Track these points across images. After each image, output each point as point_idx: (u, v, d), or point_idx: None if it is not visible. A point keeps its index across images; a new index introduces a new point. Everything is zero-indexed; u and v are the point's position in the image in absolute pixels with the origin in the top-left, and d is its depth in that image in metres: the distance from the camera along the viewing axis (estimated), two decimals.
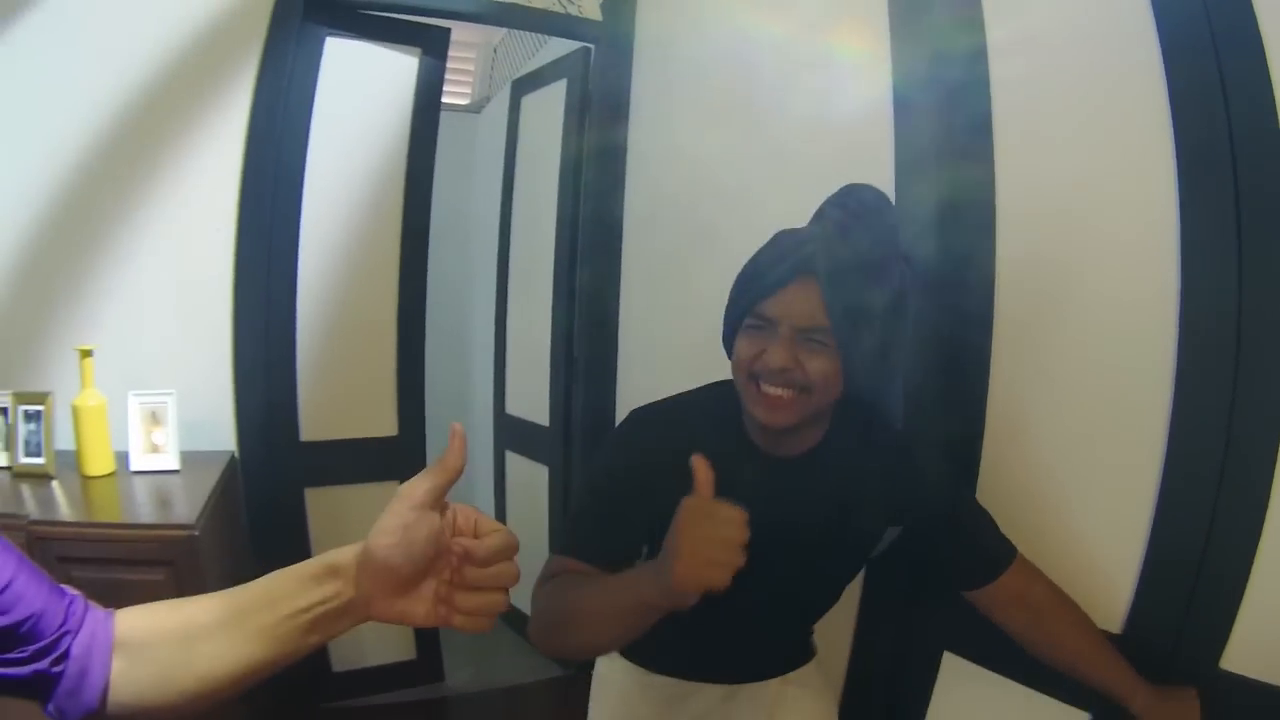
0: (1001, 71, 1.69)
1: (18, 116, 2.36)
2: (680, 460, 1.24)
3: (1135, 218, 1.45)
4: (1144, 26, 1.40)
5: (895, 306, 1.25)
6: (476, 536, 0.80)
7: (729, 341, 1.35)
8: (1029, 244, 1.65)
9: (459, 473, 0.78)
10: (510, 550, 0.80)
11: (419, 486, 0.77)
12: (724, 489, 1.19)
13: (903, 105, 1.84)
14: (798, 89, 2.19)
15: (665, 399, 1.44)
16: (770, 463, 1.37)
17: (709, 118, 2.57)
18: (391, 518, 0.77)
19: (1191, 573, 1.37)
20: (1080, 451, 1.56)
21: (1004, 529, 1.49)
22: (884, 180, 1.83)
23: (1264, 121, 1.25)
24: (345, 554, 0.80)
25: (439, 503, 0.79)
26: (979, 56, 1.71)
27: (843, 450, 1.39)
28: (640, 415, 1.42)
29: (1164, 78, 1.38)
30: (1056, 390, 1.59)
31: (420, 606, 0.80)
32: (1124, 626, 1.48)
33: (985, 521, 1.49)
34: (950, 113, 1.74)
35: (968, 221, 1.71)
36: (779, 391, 1.24)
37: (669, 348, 2.76)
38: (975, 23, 1.71)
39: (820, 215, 1.29)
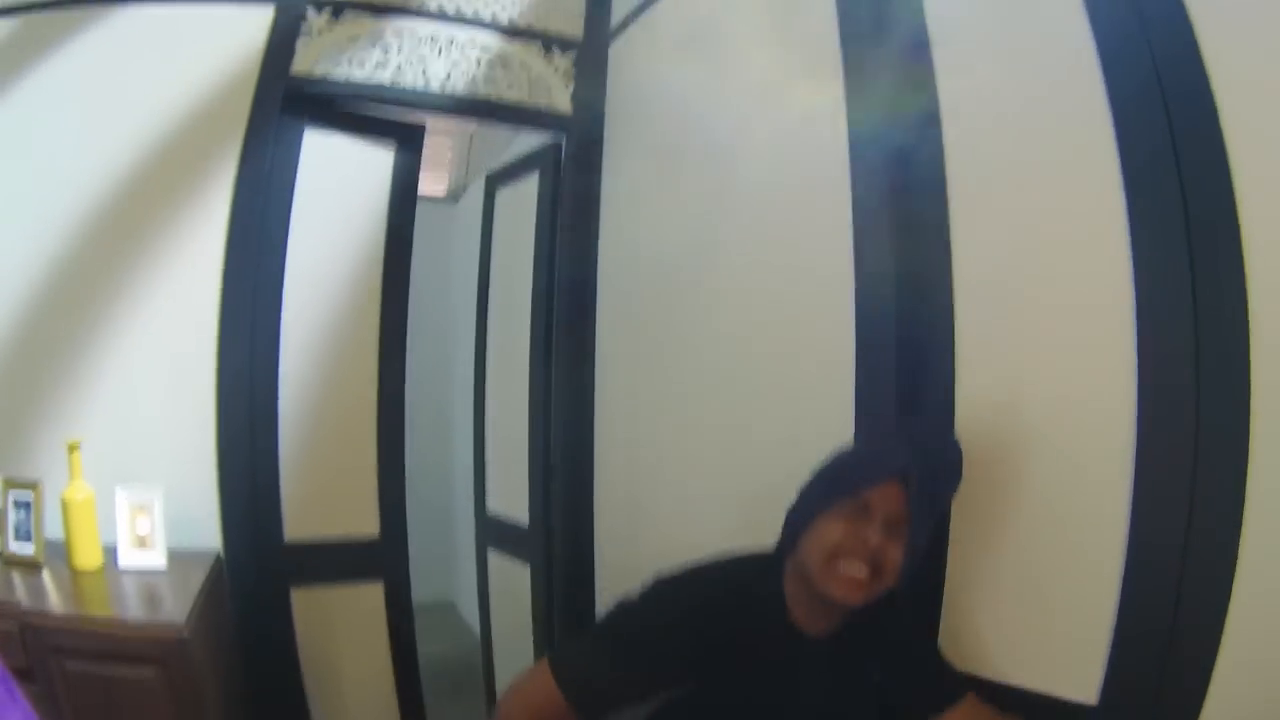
0: (954, 134, 1.72)
1: (13, 204, 2.41)
2: (712, 629, 1.44)
3: (1090, 284, 1.47)
4: (1094, 87, 1.44)
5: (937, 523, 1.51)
6: None
7: (804, 520, 1.47)
8: (986, 315, 1.66)
9: None
10: None
11: None
12: (763, 662, 1.45)
13: (859, 172, 1.87)
14: (764, 166, 2.23)
15: (697, 567, 1.55)
16: (805, 641, 1.50)
17: (679, 201, 2.59)
18: None
19: (1163, 645, 1.34)
20: (1045, 523, 1.54)
21: (973, 604, 1.58)
22: (846, 249, 1.88)
23: (1216, 182, 1.27)
24: None
25: None
26: (933, 120, 1.74)
27: (855, 627, 1.51)
28: (678, 581, 1.52)
29: (1115, 139, 1.41)
30: (1017, 467, 1.57)
31: None
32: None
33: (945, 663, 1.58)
34: (905, 177, 1.78)
35: (928, 295, 1.72)
36: (858, 571, 1.38)
37: (645, 444, 2.74)
38: (928, 87, 1.75)
39: (919, 437, 1.54)
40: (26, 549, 2.21)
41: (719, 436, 2.31)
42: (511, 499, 3.42)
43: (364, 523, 2.95)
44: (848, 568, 1.38)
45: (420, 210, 3.11)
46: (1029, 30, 1.60)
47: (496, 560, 3.60)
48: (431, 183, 4.88)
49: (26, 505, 2.21)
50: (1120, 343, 1.38)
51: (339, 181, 2.89)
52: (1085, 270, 1.47)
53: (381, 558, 2.97)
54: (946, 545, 1.66)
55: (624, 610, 1.52)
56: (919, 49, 1.77)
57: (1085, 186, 1.46)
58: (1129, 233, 1.39)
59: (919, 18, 1.79)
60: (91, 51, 2.53)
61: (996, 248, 1.63)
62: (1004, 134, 1.64)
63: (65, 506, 2.21)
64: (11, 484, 2.24)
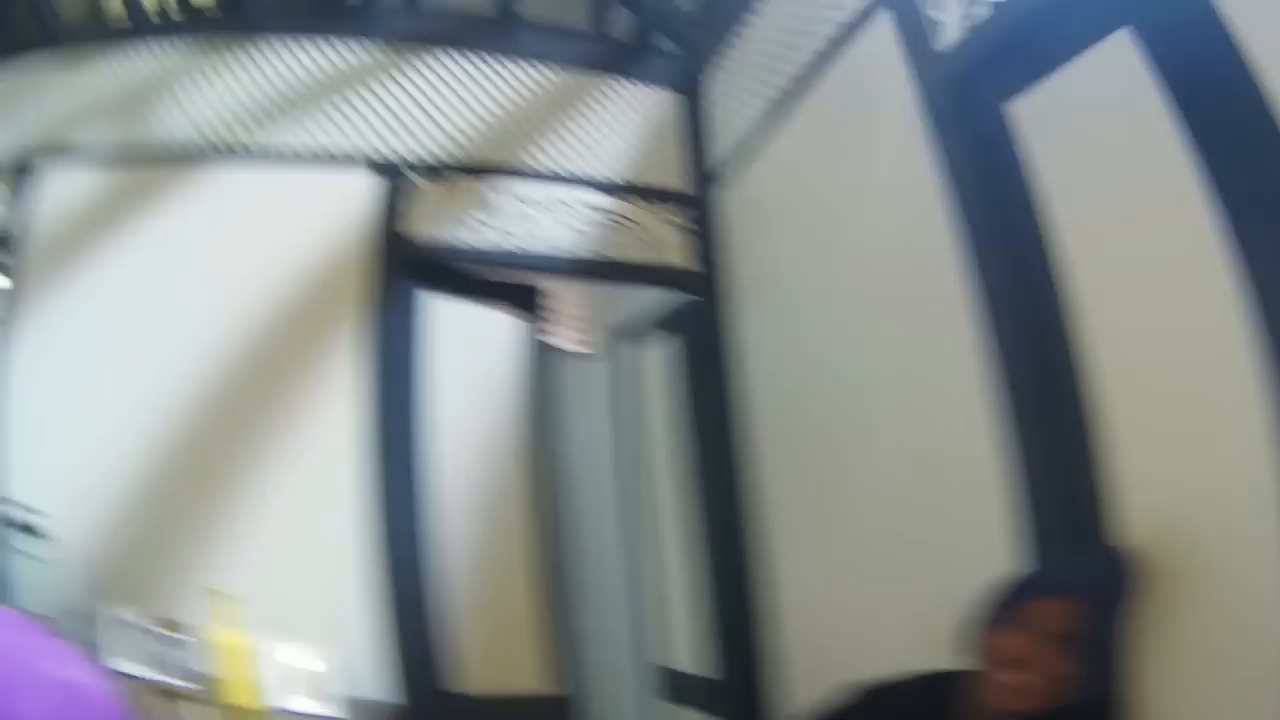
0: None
1: (148, 359, 2.60)
2: None
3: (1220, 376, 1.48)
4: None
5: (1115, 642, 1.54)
6: None
7: (974, 632, 1.54)
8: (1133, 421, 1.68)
9: None
10: None
11: None
12: None
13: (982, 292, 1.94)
14: (889, 298, 2.27)
15: (890, 679, 1.67)
16: None
17: (819, 340, 2.61)
18: None
19: None
20: (1222, 626, 1.49)
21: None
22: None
23: None
24: None
25: None
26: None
27: None
28: (873, 691, 1.66)
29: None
30: (1186, 571, 1.54)
31: None
32: None
33: None
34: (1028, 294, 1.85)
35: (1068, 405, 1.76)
36: (1022, 679, 1.43)
37: (824, 585, 2.65)
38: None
39: (1093, 558, 1.62)
40: (185, 684, 2.28)
41: (895, 568, 2.29)
42: (689, 652, 3.33)
43: (542, 680, 2.93)
44: (1002, 676, 1.45)
45: (559, 363, 3.23)
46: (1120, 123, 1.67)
47: (684, 715, 3.47)
48: (568, 338, 5.01)
49: (182, 644, 2.32)
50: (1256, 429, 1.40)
51: (465, 343, 2.95)
52: (1213, 362, 1.51)
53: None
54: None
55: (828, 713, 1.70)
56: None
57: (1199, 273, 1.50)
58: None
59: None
60: (203, 212, 2.74)
61: (1128, 350, 1.70)
62: (1114, 228, 1.71)
63: (219, 651, 2.30)
64: (170, 625, 2.35)
